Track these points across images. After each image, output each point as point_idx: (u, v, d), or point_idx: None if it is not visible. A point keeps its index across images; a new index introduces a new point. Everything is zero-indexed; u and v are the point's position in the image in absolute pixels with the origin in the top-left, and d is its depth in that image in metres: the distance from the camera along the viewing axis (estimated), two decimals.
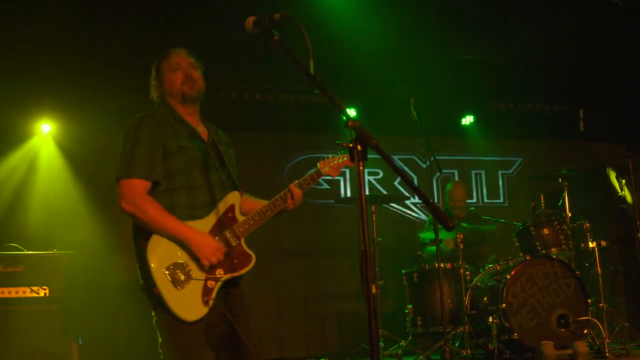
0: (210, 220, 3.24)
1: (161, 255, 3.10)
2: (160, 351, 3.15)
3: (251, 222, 3.30)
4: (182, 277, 3.09)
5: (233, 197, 3.33)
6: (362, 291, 2.30)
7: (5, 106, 6.97)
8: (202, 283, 3.13)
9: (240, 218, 3.31)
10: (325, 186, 8.25)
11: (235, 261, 3.24)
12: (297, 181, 3.49)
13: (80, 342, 5.99)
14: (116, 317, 6.67)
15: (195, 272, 3.12)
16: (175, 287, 3.07)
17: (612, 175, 7.50)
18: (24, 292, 5.59)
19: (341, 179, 8.42)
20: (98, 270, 6.87)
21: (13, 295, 5.55)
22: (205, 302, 3.10)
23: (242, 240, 3.29)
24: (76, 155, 7.40)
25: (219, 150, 3.42)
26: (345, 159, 3.67)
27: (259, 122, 8.16)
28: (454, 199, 7.43)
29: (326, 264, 8.08)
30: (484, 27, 7.03)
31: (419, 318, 6.44)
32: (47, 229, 6.94)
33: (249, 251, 3.29)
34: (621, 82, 8.20)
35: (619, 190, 6.85)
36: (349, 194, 8.40)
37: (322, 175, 3.61)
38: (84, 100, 7.19)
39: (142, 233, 3.15)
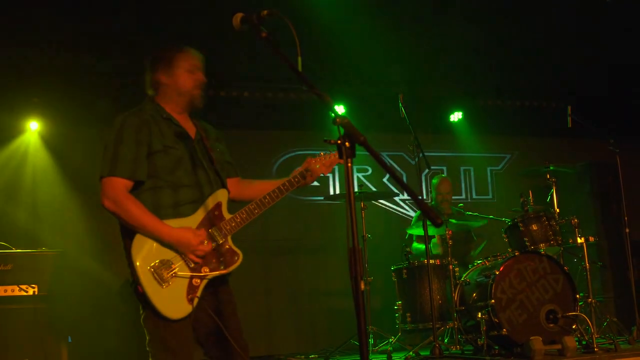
0: (196, 218, 3.22)
1: (146, 254, 3.09)
2: (148, 349, 3.14)
3: (238, 219, 3.28)
4: (167, 275, 3.08)
5: (220, 195, 3.31)
6: (351, 288, 2.30)
7: None
8: (187, 281, 3.11)
9: (227, 216, 3.29)
10: (315, 183, 8.23)
11: (222, 259, 3.22)
12: (280, 183, 3.44)
13: (70, 340, 5.97)
14: (105, 315, 6.65)
15: (181, 270, 3.11)
16: (160, 285, 3.06)
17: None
18: (13, 290, 5.57)
19: (330, 175, 8.42)
20: (87, 269, 6.85)
21: (1, 293, 5.54)
22: (190, 300, 3.10)
23: (229, 238, 3.27)
24: (64, 153, 7.36)
25: (207, 148, 3.39)
26: (337, 156, 3.63)
27: (247, 120, 8.15)
28: (442, 192, 7.42)
29: (315, 260, 8.09)
30: (472, 24, 7.04)
31: (408, 314, 6.45)
32: (35, 227, 6.91)
33: (236, 249, 3.28)
34: (609, 79, 8.24)
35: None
36: (337, 191, 8.40)
37: (309, 171, 3.56)
38: (72, 98, 7.16)
39: (127, 231, 3.14)
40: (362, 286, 2.29)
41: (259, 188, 3.47)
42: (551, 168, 6.55)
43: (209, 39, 6.23)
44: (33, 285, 5.63)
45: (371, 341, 6.59)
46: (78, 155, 7.29)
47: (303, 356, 7.07)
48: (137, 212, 3.09)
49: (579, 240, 6.21)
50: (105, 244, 7.06)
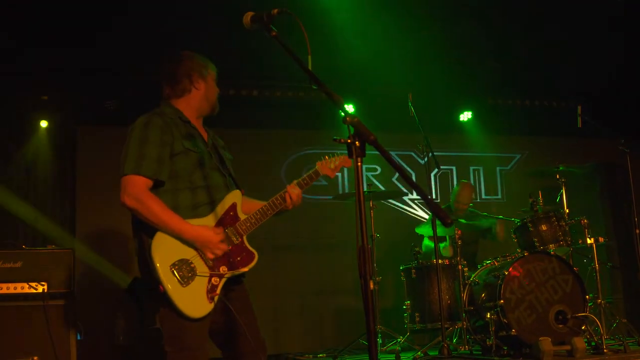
0: (212, 218, 3.28)
1: (166, 253, 3.12)
2: (166, 349, 3.17)
3: (253, 220, 3.35)
4: (188, 274, 3.12)
5: (235, 196, 3.38)
6: (360, 287, 2.30)
7: (3, 103, 6.96)
8: (206, 279, 3.16)
9: (242, 216, 3.36)
10: (323, 182, 8.24)
11: (238, 258, 3.28)
12: (295, 181, 3.56)
13: (79, 337, 5.99)
14: (114, 312, 6.67)
15: (200, 269, 3.15)
16: (181, 284, 3.09)
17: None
18: (22, 287, 5.58)
19: (339, 174, 8.41)
20: (96, 266, 6.88)
21: (11, 291, 5.55)
22: (211, 299, 3.14)
23: (245, 237, 3.34)
24: (74, 152, 7.39)
25: (219, 153, 3.49)
26: (344, 159, 3.74)
27: (257, 119, 8.15)
28: (460, 201, 7.41)
29: (324, 259, 8.08)
30: (482, 23, 7.02)
31: (417, 314, 6.44)
32: (45, 225, 6.93)
33: (251, 249, 3.34)
34: (619, 78, 8.20)
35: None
36: (347, 190, 8.39)
37: (320, 175, 3.67)
38: (84, 97, 7.19)
39: (144, 229, 3.17)
40: (371, 285, 2.29)
41: (253, 206, 3.50)
42: (561, 168, 6.52)
43: (219, 36, 6.25)
44: (42, 283, 5.64)
45: (380, 341, 6.58)
46: (89, 153, 7.32)
47: (311, 355, 7.07)
48: (159, 209, 3.12)
49: (588, 241, 6.18)
50: (114, 241, 7.09)
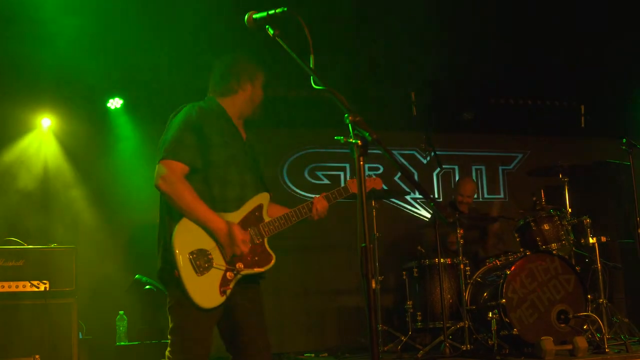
0: (238, 215, 3.34)
1: (187, 240, 3.18)
2: (169, 337, 3.21)
3: (277, 224, 3.45)
4: (204, 264, 3.17)
5: (263, 198, 3.46)
6: (362, 286, 2.30)
7: (6, 100, 6.96)
8: (222, 273, 3.21)
9: (267, 218, 3.44)
10: (326, 181, 8.24)
11: (256, 258, 3.35)
12: (324, 193, 3.72)
13: (81, 336, 6.00)
14: (116, 312, 6.67)
15: (217, 261, 3.20)
16: (196, 272, 3.14)
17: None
18: (24, 286, 5.59)
19: (341, 173, 8.41)
20: (98, 265, 6.88)
21: (13, 289, 5.56)
22: (223, 292, 3.19)
23: (266, 239, 3.41)
24: (76, 150, 7.39)
25: (254, 153, 3.61)
26: (376, 181, 4.05)
27: (259, 117, 8.13)
28: (464, 194, 7.40)
29: (326, 258, 8.08)
30: (485, 22, 7.01)
31: (418, 313, 6.44)
32: (47, 223, 6.94)
33: (270, 251, 3.43)
34: (622, 78, 8.19)
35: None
36: None
37: (349, 193, 3.83)
38: (84, 95, 7.18)
39: (171, 215, 3.24)
40: (373, 285, 2.30)
41: (279, 210, 3.58)
42: (563, 167, 6.51)
43: (222, 35, 6.24)
44: (44, 281, 5.65)
45: (381, 340, 6.58)
46: (90, 151, 7.33)
47: (313, 354, 7.07)
48: (190, 197, 3.18)
49: (590, 240, 6.17)
50: (116, 240, 7.09)
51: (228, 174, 3.35)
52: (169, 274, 3.16)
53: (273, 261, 3.42)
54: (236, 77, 3.56)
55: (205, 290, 3.16)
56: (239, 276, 3.25)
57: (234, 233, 3.20)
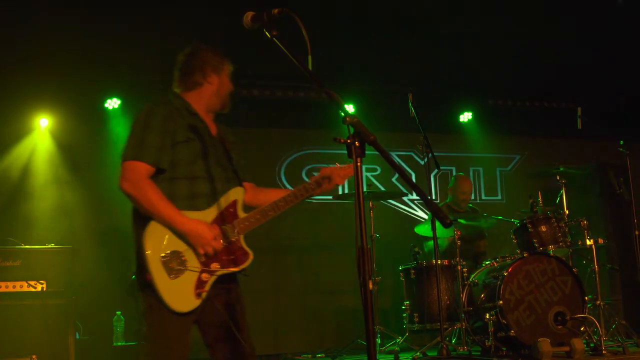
0: (211, 212, 3.22)
1: (158, 242, 3.07)
2: (144, 342, 3.11)
3: (252, 220, 3.28)
4: (177, 267, 3.06)
5: (236, 193, 3.33)
6: (359, 287, 2.30)
7: (3, 100, 6.96)
8: (196, 275, 3.09)
9: (242, 214, 3.29)
10: None
11: (232, 257, 3.21)
12: (303, 184, 3.53)
13: (78, 336, 5.99)
14: (114, 312, 6.66)
15: (191, 263, 3.09)
16: (169, 275, 3.04)
17: (610, 173, 7.47)
18: (21, 286, 5.59)
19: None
20: (95, 265, 6.87)
21: (10, 289, 5.56)
22: (198, 295, 3.07)
23: (241, 237, 3.26)
24: (74, 150, 7.39)
25: (226, 148, 3.44)
26: (351, 167, 3.61)
27: (256, 118, 8.15)
28: (462, 192, 7.41)
29: (323, 259, 8.08)
30: (482, 23, 7.02)
31: (415, 314, 6.44)
32: (44, 223, 6.93)
33: (247, 248, 3.27)
34: (619, 80, 8.20)
35: (617, 188, 6.84)
36: (346, 190, 8.39)
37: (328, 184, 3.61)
38: (81, 96, 7.19)
39: (140, 217, 3.13)
40: (370, 286, 2.29)
41: (273, 194, 3.48)
42: (561, 169, 6.52)
43: (219, 36, 6.24)
44: (42, 282, 5.65)
45: (378, 341, 6.58)
46: (87, 151, 7.33)
47: (310, 355, 7.07)
48: (155, 198, 3.08)
49: (588, 242, 6.19)
50: (114, 240, 7.07)
51: (195, 171, 3.23)
52: (141, 278, 3.05)
53: (250, 259, 3.25)
54: (201, 70, 3.43)
55: (180, 294, 3.04)
56: (214, 277, 3.13)
57: (202, 232, 3.09)
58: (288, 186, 8.20)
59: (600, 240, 6.27)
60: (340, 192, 8.29)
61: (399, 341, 6.42)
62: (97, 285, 6.85)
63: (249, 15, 2.83)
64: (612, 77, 8.13)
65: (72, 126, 7.41)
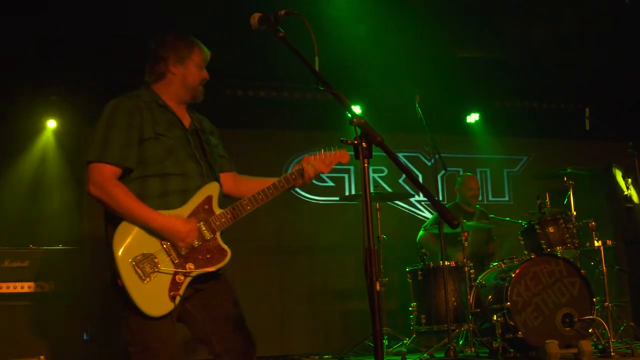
0: (185, 210, 3.09)
1: (128, 245, 2.96)
2: (129, 349, 3.02)
3: (229, 215, 3.16)
4: (149, 270, 2.95)
5: (211, 188, 3.18)
6: (366, 288, 2.29)
7: (13, 102, 6.99)
8: (170, 277, 2.98)
9: (218, 210, 3.15)
10: (330, 183, 8.25)
11: (208, 256, 3.08)
12: (284, 175, 3.37)
13: (86, 337, 6.01)
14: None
15: (164, 265, 2.98)
16: (141, 279, 2.94)
17: (618, 174, 7.48)
18: (30, 287, 5.60)
19: (345, 176, 8.41)
20: (103, 266, 6.88)
21: (19, 290, 5.57)
22: (172, 298, 2.97)
23: (218, 234, 3.14)
24: (81, 150, 7.39)
25: (201, 140, 3.30)
26: (340, 154, 3.50)
27: (262, 119, 8.15)
28: (471, 188, 7.41)
29: (330, 261, 8.07)
30: (488, 25, 7.01)
31: (423, 316, 6.43)
32: (52, 224, 6.95)
33: (224, 246, 3.14)
34: (627, 80, 8.17)
35: (625, 189, 6.82)
36: (353, 192, 8.39)
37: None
38: (89, 97, 7.20)
39: (111, 220, 3.03)
40: (377, 287, 2.29)
41: (255, 185, 3.33)
42: (568, 170, 6.50)
43: (223, 36, 6.25)
44: (50, 282, 5.66)
45: (385, 342, 6.57)
46: None
47: (317, 357, 7.06)
48: (124, 198, 2.97)
49: (596, 244, 6.17)
50: None
51: (167, 168, 3.09)
52: (114, 283, 2.95)
53: (227, 257, 3.12)
54: (164, 60, 3.25)
55: (153, 298, 2.93)
56: (189, 278, 3.01)
57: (177, 226, 2.98)
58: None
59: (609, 242, 6.26)
60: (347, 193, 8.30)
61: (406, 342, 6.41)
62: (105, 285, 6.85)
63: (256, 16, 2.84)
64: (621, 78, 8.10)
65: (80, 126, 7.42)
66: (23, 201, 7.04)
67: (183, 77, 3.27)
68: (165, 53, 3.26)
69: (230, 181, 3.49)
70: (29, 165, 7.24)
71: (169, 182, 3.10)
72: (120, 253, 2.95)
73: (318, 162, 3.47)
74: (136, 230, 2.98)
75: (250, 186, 3.36)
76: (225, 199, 3.36)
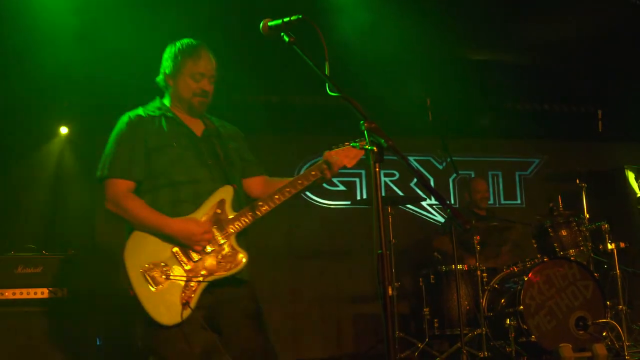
0: (197, 215, 3.09)
1: (138, 255, 2.98)
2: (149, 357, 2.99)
3: (243, 218, 3.13)
4: (160, 278, 2.94)
5: (224, 192, 3.17)
6: (378, 293, 2.29)
7: (26, 107, 7.02)
8: (182, 285, 2.95)
9: (232, 214, 3.13)
10: (341, 187, 8.24)
11: (222, 261, 3.05)
12: (300, 174, 3.37)
13: (99, 342, 6.02)
14: (134, 318, 6.68)
15: (175, 272, 2.97)
16: (152, 288, 2.93)
17: (631, 176, 7.44)
18: (42, 292, 5.62)
19: (357, 180, 8.41)
20: (117, 271, 6.90)
21: (32, 296, 5.58)
22: (185, 304, 2.93)
23: (233, 237, 3.11)
24: (94, 157, 7.43)
25: (215, 145, 3.28)
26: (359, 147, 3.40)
27: (274, 124, 8.15)
28: (480, 190, 7.40)
29: (342, 265, 8.07)
30: (501, 28, 6.99)
31: (435, 320, 6.41)
32: (65, 230, 6.98)
33: (239, 249, 3.09)
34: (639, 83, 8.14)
35: (638, 191, 6.79)
36: (364, 196, 8.38)
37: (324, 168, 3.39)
38: (101, 103, 7.23)
39: (126, 232, 3.09)
40: (390, 291, 2.29)
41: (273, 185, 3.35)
42: (581, 173, 6.47)
43: (235, 43, 6.26)
44: (63, 288, 5.68)
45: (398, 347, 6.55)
46: None
47: None
48: (137, 208, 3.04)
49: (609, 246, 6.13)
50: None
51: (174, 176, 3.11)
52: (126, 294, 2.97)
53: (243, 262, 3.06)
54: (162, 72, 3.31)
55: (165, 306, 2.91)
56: (203, 284, 2.97)
57: (191, 229, 2.98)
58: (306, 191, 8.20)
59: (622, 244, 6.22)
60: (358, 198, 8.29)
61: (419, 347, 6.39)
62: (118, 291, 6.87)
63: (266, 22, 2.84)
64: (633, 80, 8.06)
65: (91, 134, 7.45)
66: (37, 207, 7.07)
67: (178, 90, 3.28)
68: (164, 65, 3.32)
69: (261, 185, 3.50)
70: (44, 171, 7.27)
71: (179, 190, 3.13)
72: (130, 263, 2.98)
73: (341, 156, 3.45)
74: (147, 239, 3.01)
75: (270, 187, 3.35)
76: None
